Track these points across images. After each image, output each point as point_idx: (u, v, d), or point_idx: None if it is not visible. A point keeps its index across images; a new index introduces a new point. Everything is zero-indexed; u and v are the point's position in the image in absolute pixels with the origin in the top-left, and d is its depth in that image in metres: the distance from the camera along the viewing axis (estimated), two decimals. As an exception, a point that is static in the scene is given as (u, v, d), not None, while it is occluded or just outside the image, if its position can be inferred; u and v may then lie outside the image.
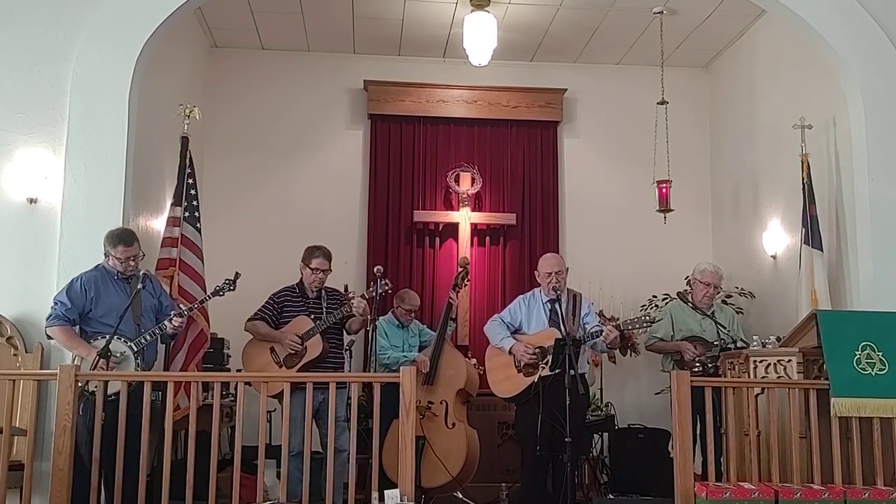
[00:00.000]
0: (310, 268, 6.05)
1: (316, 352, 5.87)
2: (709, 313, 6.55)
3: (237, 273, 5.49)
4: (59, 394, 4.64)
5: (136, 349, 5.07)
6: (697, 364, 6.19)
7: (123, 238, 5.27)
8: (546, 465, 5.63)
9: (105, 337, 4.99)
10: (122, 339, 5.06)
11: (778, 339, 5.47)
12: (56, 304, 5.16)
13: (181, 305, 5.51)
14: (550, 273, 5.88)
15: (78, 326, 5.17)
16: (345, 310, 5.95)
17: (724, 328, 6.42)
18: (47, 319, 5.18)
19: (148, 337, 5.13)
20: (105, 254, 5.29)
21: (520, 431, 5.96)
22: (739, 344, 6.17)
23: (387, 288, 6.08)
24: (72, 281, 5.23)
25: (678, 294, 6.87)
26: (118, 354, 5.01)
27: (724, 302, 8.02)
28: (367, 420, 6.36)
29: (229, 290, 5.45)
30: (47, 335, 5.25)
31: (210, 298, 5.53)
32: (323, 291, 6.12)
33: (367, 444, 5.23)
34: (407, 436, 4.64)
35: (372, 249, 8.53)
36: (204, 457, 4.70)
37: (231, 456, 4.86)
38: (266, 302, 6.10)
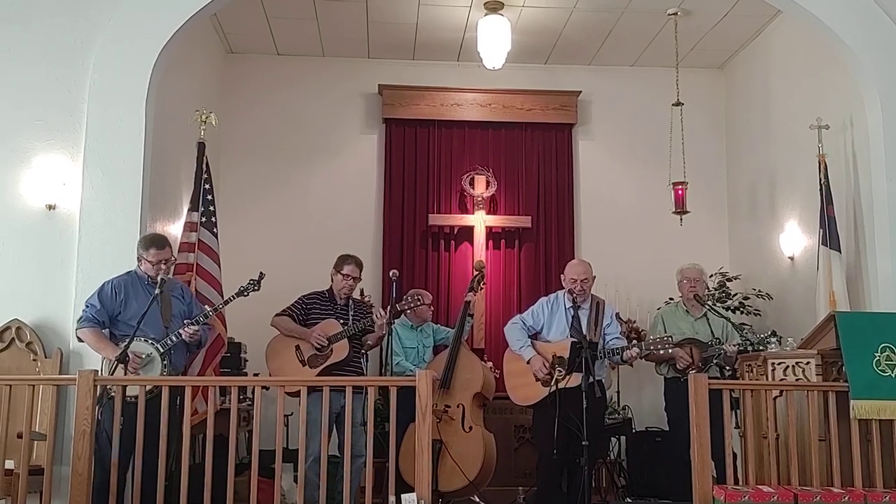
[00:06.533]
0: (341, 274, 6.11)
1: (342, 355, 5.91)
2: (700, 316, 6.49)
3: (261, 273, 5.51)
4: (78, 398, 4.66)
5: (161, 350, 5.12)
6: (692, 370, 6.08)
7: (156, 241, 5.37)
8: (562, 469, 5.62)
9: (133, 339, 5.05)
10: (149, 341, 5.11)
11: (775, 334, 5.45)
12: (87, 306, 5.22)
13: (207, 308, 5.53)
14: (575, 280, 5.85)
15: (108, 329, 5.21)
16: (368, 321, 6.00)
17: (715, 335, 6.32)
18: (77, 322, 5.24)
19: (174, 338, 5.16)
20: (138, 259, 5.35)
21: (537, 435, 5.96)
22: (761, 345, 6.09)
23: (420, 303, 6.25)
24: (103, 284, 5.28)
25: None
26: (143, 356, 5.06)
27: (741, 304, 7.99)
28: (384, 424, 6.36)
29: (254, 290, 5.47)
30: (77, 337, 5.29)
31: (234, 298, 5.52)
32: (350, 300, 6.19)
33: (384, 448, 5.22)
34: (423, 440, 4.63)
35: (387, 253, 8.54)
36: (221, 461, 4.72)
37: (248, 460, 4.86)
38: (295, 301, 6.14)
